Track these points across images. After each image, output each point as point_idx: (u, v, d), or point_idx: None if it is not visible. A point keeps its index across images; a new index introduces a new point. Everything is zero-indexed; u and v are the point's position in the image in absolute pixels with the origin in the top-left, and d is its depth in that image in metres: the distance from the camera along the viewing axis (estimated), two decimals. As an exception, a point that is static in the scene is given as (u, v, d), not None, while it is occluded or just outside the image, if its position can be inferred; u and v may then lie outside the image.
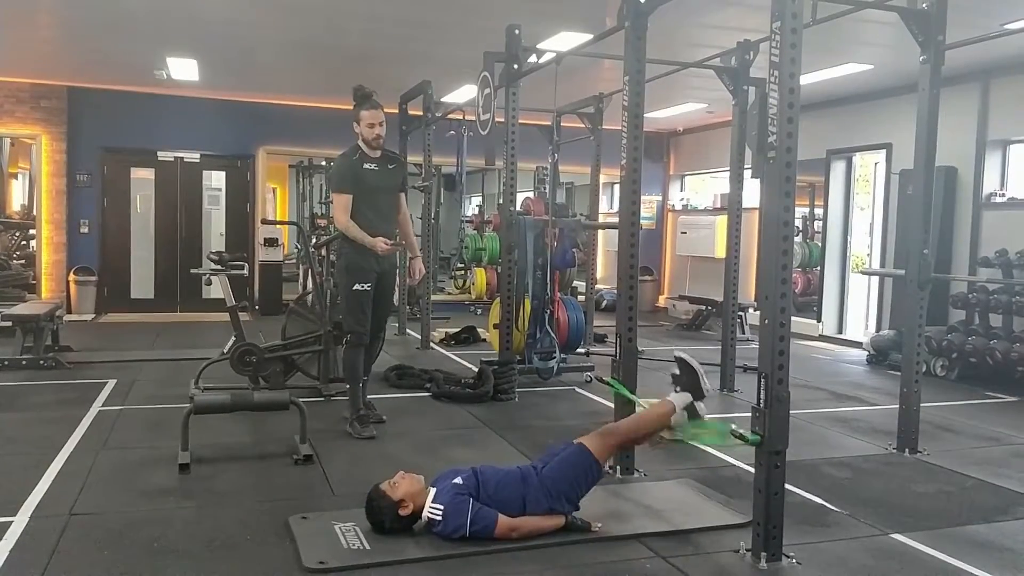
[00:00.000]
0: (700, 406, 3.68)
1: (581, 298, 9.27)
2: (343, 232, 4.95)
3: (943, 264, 7.78)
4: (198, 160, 11.06)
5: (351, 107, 5.00)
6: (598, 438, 3.53)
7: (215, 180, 11.18)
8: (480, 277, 12.19)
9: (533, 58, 6.06)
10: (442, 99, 9.06)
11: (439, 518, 3.28)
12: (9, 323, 7.00)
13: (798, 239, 11.33)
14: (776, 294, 3.08)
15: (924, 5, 4.60)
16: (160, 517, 3.57)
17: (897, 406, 5.01)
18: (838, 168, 10.02)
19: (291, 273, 13.09)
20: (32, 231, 11.52)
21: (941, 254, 7.74)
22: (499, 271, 5.89)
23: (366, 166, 4.93)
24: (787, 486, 3.26)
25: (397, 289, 5.20)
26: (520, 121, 6.10)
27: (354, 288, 4.97)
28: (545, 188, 9.03)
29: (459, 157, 9.66)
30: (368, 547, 3.23)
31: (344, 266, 5.04)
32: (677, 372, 3.79)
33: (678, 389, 3.72)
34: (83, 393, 5.91)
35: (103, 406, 5.60)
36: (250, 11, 6.57)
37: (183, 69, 8.85)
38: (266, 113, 11.00)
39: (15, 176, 14.68)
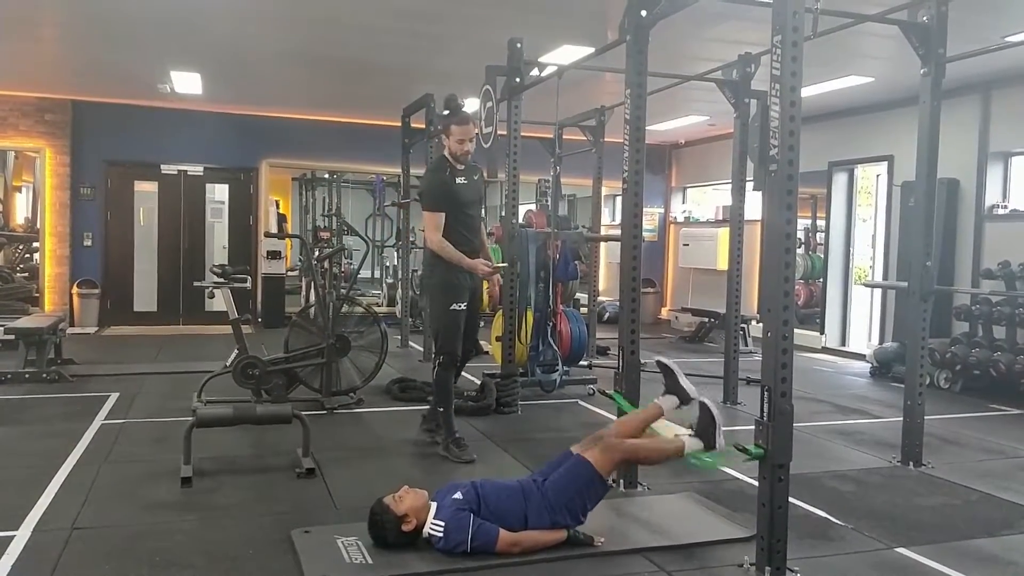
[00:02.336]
0: (720, 441, 3.64)
1: (583, 310, 9.26)
2: (437, 252, 4.73)
3: (946, 276, 7.78)
4: (201, 173, 11.10)
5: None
6: (601, 452, 3.50)
7: (218, 193, 11.22)
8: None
9: (535, 71, 6.08)
10: (444, 112, 9.08)
11: (440, 534, 3.26)
12: (12, 336, 7.01)
13: (800, 251, 11.32)
14: (779, 306, 3.07)
15: (924, 19, 4.62)
16: (162, 531, 3.56)
17: (901, 419, 4.99)
18: (840, 180, 10.03)
19: (294, 286, 13.10)
20: (35, 244, 11.53)
21: (944, 266, 7.74)
22: (501, 283, 5.91)
23: (458, 180, 4.78)
24: (791, 499, 3.24)
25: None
26: (522, 134, 6.12)
27: (451, 308, 4.78)
28: (547, 200, 9.03)
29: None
30: (371, 561, 3.22)
31: (439, 286, 4.80)
32: (683, 389, 3.81)
33: (692, 433, 3.65)
34: (86, 406, 5.91)
35: (106, 419, 5.60)
36: (253, 25, 6.61)
37: (186, 83, 8.90)
38: (269, 126, 11.04)
39: (19, 189, 14.71)
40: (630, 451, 3.65)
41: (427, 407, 6.12)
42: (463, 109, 4.86)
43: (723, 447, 3.61)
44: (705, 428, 3.61)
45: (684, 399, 3.86)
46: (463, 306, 4.81)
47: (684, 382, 3.87)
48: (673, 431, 3.76)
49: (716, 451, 3.60)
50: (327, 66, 8.05)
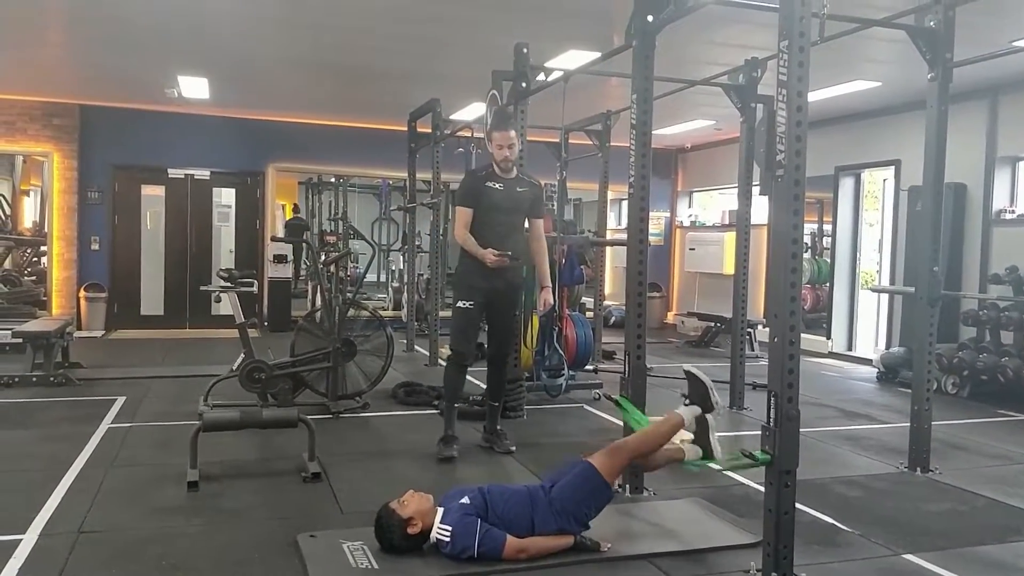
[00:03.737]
0: (711, 420, 3.67)
1: (589, 314, 9.26)
2: (460, 243, 4.92)
3: (953, 281, 7.74)
4: (208, 177, 11.13)
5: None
6: (606, 457, 3.50)
7: (225, 197, 11.25)
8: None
9: (541, 76, 6.08)
10: (450, 117, 9.11)
11: (447, 539, 3.26)
12: (20, 340, 7.03)
13: (807, 256, 11.30)
14: (785, 311, 3.07)
15: (932, 23, 4.60)
16: (169, 534, 3.57)
17: (908, 424, 4.97)
18: (847, 185, 10.01)
19: (300, 289, 13.12)
20: (43, 248, 11.58)
21: (951, 271, 7.70)
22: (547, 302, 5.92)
23: (489, 184, 4.88)
24: (797, 505, 3.24)
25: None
26: (528, 138, 6.12)
27: (458, 305, 4.95)
28: (553, 205, 9.04)
29: (467, 174, 9.67)
30: (376, 566, 3.21)
31: (454, 283, 5.05)
32: (687, 391, 3.79)
33: (688, 403, 3.72)
34: (93, 410, 5.92)
35: (112, 423, 5.61)
36: (260, 30, 6.63)
37: (193, 87, 8.93)
38: (276, 130, 11.07)
39: (27, 193, 14.76)
40: (636, 445, 3.65)
41: (433, 411, 6.14)
42: (509, 118, 4.98)
43: (719, 403, 3.71)
44: (698, 392, 3.68)
45: (708, 410, 3.74)
46: (470, 304, 4.90)
47: (715, 396, 3.73)
48: (679, 437, 3.76)
49: (715, 459, 3.63)
50: (333, 71, 8.07)
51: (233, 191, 11.26)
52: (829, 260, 10.46)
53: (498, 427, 5.22)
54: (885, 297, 9.40)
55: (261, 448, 5.01)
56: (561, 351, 6.80)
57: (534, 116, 6.17)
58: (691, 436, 3.66)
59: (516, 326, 5.10)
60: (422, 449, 5.13)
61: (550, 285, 5.24)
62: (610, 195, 9.42)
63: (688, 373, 3.80)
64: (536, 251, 5.21)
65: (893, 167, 9.13)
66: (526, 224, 5.13)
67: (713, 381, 3.76)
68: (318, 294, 8.80)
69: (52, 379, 6.81)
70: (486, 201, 4.88)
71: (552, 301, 5.28)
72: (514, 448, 5.09)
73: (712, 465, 3.69)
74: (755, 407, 6.32)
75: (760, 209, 6.71)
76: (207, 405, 5.63)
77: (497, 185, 4.89)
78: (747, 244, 6.46)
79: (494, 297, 4.96)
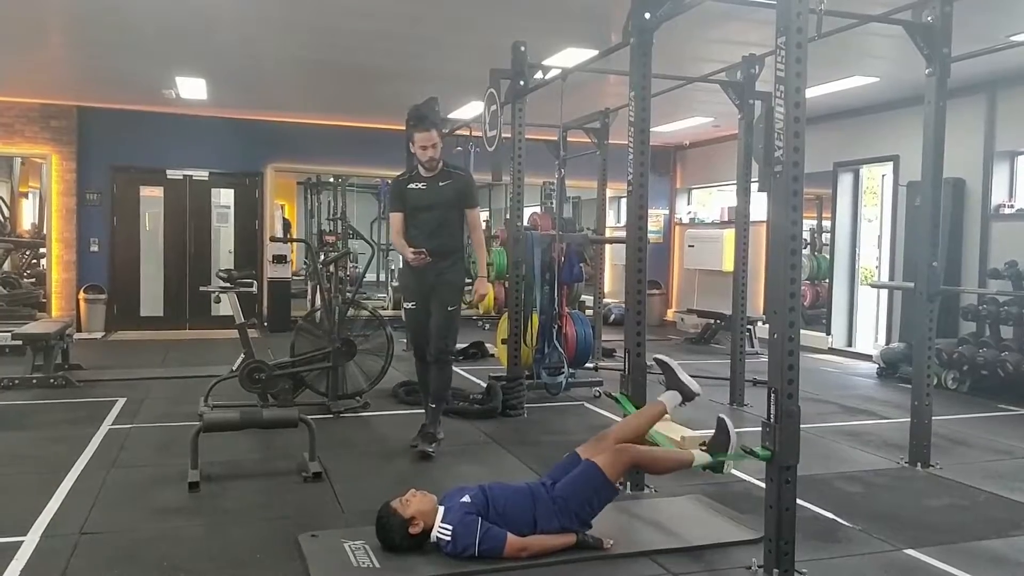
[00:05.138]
0: (730, 426, 3.65)
1: (589, 312, 9.26)
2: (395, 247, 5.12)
3: (952, 276, 7.75)
4: (207, 178, 11.12)
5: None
6: (611, 456, 3.49)
7: (224, 198, 11.24)
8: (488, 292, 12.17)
9: (539, 74, 6.09)
10: (449, 115, 9.10)
11: (448, 537, 3.26)
12: (19, 342, 7.03)
13: (806, 252, 11.30)
14: (785, 308, 3.07)
15: (929, 18, 4.60)
16: (170, 535, 3.57)
17: (908, 419, 4.98)
18: (845, 180, 10.01)
19: (299, 290, 13.12)
20: (42, 250, 11.58)
21: (950, 266, 7.71)
22: (507, 286, 5.90)
23: (411, 186, 5.04)
24: (798, 501, 3.24)
25: (440, 306, 4.96)
26: (526, 136, 6.12)
27: (404, 307, 5.18)
28: (552, 203, 9.05)
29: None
30: (378, 565, 3.22)
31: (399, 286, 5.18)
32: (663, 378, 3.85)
33: (703, 447, 3.67)
34: (93, 411, 5.92)
35: (113, 424, 5.61)
36: (258, 30, 6.62)
37: (192, 88, 8.92)
38: (274, 131, 11.06)
39: (26, 195, 14.77)
40: (637, 458, 3.64)
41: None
42: (426, 118, 4.99)
43: (729, 468, 3.67)
44: (721, 447, 3.61)
45: (687, 395, 3.91)
46: (411, 305, 5.11)
47: (684, 377, 3.93)
48: (679, 432, 3.77)
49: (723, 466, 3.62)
50: (332, 71, 8.07)
51: (232, 192, 11.26)
52: (828, 256, 10.47)
53: (430, 429, 5.02)
54: (884, 293, 9.41)
55: (262, 448, 5.01)
56: (561, 349, 6.80)
57: (532, 115, 6.17)
58: (702, 446, 3.66)
59: (453, 322, 5.07)
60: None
61: (485, 275, 5.36)
62: (609, 193, 9.41)
63: (658, 361, 3.97)
64: (473, 242, 5.39)
65: (892, 163, 9.13)
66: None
67: (713, 378, 3.77)
68: (318, 294, 8.81)
69: (52, 381, 6.80)
70: (411, 202, 5.04)
71: (485, 292, 5.44)
72: (432, 451, 4.86)
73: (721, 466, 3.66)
74: (755, 403, 6.33)
75: (759, 206, 6.73)
76: (207, 406, 5.63)
77: (420, 185, 5.04)
78: (746, 241, 6.46)
79: (427, 293, 5.02)
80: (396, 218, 5.14)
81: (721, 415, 3.70)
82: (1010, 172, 8.13)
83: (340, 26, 6.47)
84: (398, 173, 5.37)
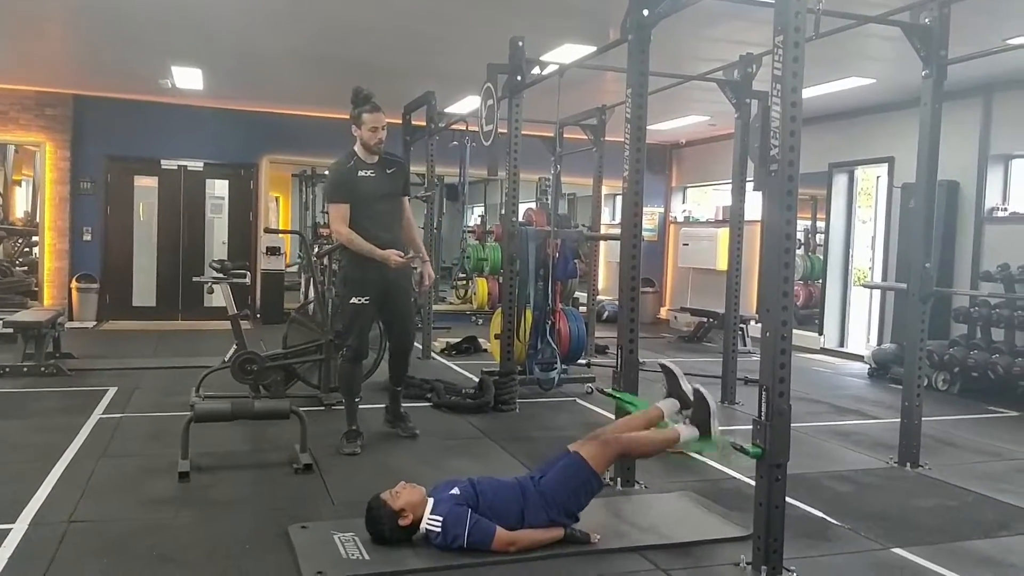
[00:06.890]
0: (711, 402, 3.68)
1: (583, 309, 9.26)
2: (345, 244, 4.76)
3: (945, 278, 7.78)
4: (201, 169, 11.10)
5: (351, 115, 4.92)
6: (597, 448, 3.49)
7: (218, 189, 11.22)
8: (482, 287, 12.19)
9: (536, 70, 6.07)
10: (445, 110, 9.08)
11: (438, 529, 3.27)
12: (11, 330, 7.01)
13: (800, 252, 11.33)
14: (778, 307, 3.08)
15: (926, 20, 4.62)
16: (159, 525, 3.56)
17: (898, 420, 5.00)
18: (840, 181, 10.03)
19: (293, 282, 13.09)
20: (35, 238, 11.53)
21: (943, 268, 7.74)
22: (501, 281, 5.88)
23: (361, 173, 4.74)
24: (788, 499, 3.25)
25: (404, 298, 4.98)
26: (523, 132, 6.12)
27: (351, 301, 4.81)
28: (547, 199, 9.05)
29: (462, 168, 9.67)
30: (367, 557, 3.22)
31: (342, 279, 4.95)
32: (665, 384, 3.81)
33: (687, 421, 3.71)
34: (84, 400, 5.91)
35: (104, 414, 5.60)
36: (255, 22, 6.60)
37: (188, 78, 8.89)
38: (269, 123, 11.03)
39: (19, 183, 14.71)
40: (625, 445, 3.64)
41: (425, 404, 6.16)
42: (373, 99, 4.78)
43: (718, 434, 3.67)
44: (702, 418, 3.64)
45: (685, 403, 3.85)
46: (365, 300, 4.78)
47: (686, 385, 3.87)
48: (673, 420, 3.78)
49: (711, 438, 3.62)
50: (328, 63, 8.04)
51: (226, 183, 11.24)
52: (822, 256, 10.49)
53: (401, 410, 5.29)
54: (877, 293, 9.44)
55: (253, 439, 5.00)
56: (554, 345, 6.80)
57: (529, 110, 6.16)
58: (686, 421, 3.67)
59: (413, 311, 5.08)
60: (414, 441, 5.14)
61: (428, 260, 5.20)
62: (604, 190, 9.41)
63: (696, 392, 3.78)
64: (408, 228, 5.04)
65: (887, 164, 9.15)
66: None
67: (706, 376, 3.78)
68: (311, 286, 8.80)
69: (43, 369, 6.79)
70: (360, 192, 4.71)
71: (434, 275, 5.26)
72: (418, 432, 5.15)
73: (707, 451, 3.67)
74: (747, 402, 6.34)
75: (754, 205, 6.73)
76: (199, 396, 5.61)
77: (368, 172, 4.74)
78: (740, 240, 6.47)
79: (390, 287, 4.84)
80: (343, 209, 4.70)
81: (696, 386, 3.73)
82: (1004, 175, 8.16)
83: (338, 19, 6.45)
84: (336, 162, 4.90)
